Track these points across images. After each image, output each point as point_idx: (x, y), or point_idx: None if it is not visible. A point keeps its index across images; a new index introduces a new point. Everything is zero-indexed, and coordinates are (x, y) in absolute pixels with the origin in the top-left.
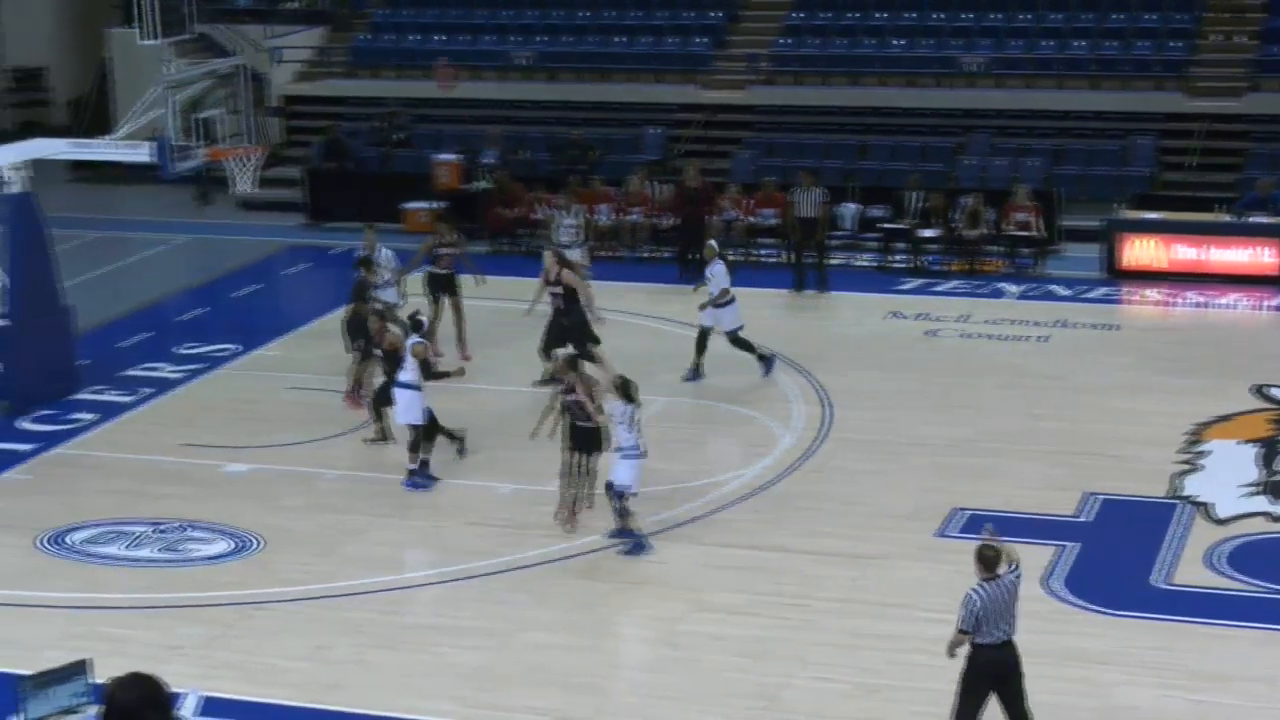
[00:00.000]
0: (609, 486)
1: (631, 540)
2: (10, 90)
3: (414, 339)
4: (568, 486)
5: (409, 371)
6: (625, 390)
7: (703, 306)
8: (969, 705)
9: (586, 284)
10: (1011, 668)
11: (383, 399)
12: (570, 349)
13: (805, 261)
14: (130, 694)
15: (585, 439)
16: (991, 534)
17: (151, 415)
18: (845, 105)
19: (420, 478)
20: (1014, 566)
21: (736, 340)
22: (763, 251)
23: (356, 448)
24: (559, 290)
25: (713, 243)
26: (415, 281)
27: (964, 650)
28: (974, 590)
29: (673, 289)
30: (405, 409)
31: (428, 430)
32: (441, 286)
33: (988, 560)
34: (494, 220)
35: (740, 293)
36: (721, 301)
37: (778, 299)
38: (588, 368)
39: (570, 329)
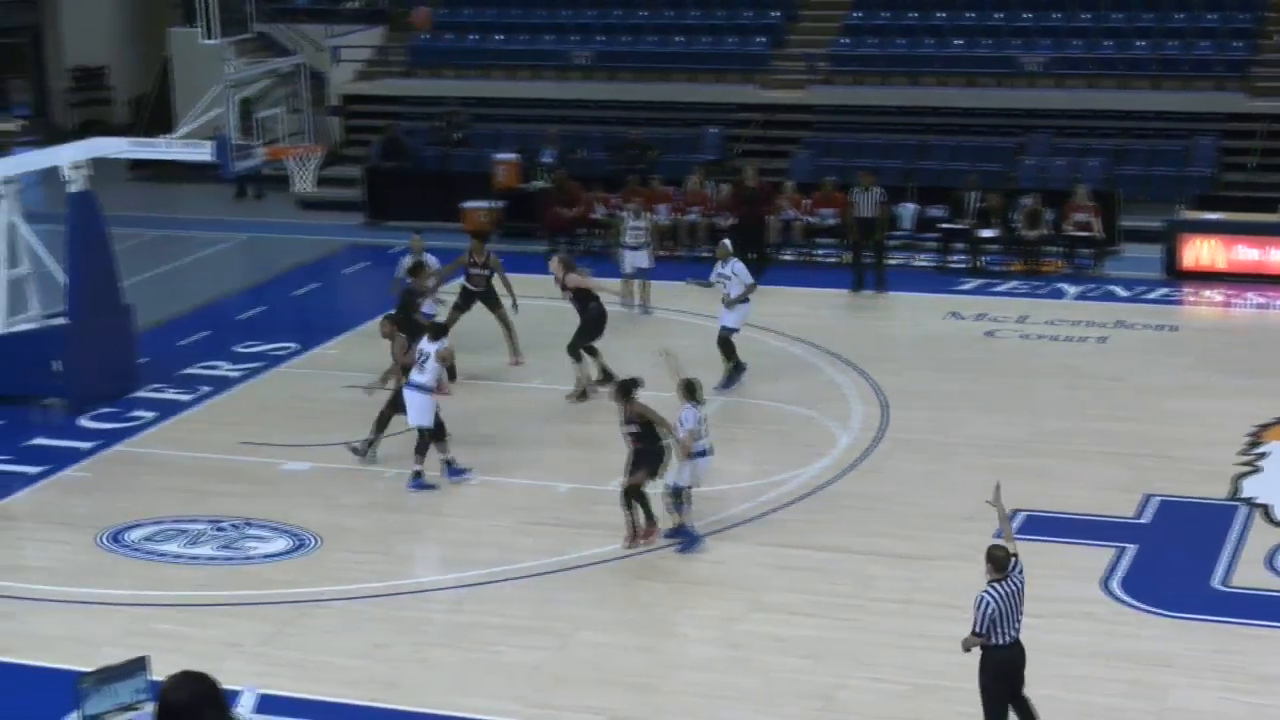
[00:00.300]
0: (668, 485)
1: (686, 537)
2: (71, 89)
3: (441, 342)
4: (635, 510)
5: (426, 374)
6: (691, 391)
7: (730, 304)
8: (997, 710)
9: (599, 281)
10: (1020, 666)
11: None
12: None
13: (863, 262)
14: (181, 693)
15: (652, 460)
16: (997, 494)
17: (210, 413)
18: (904, 105)
19: (423, 481)
20: (1015, 563)
21: (724, 342)
22: (821, 251)
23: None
24: (568, 294)
25: (726, 242)
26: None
27: (975, 654)
28: (987, 592)
29: None
30: (418, 411)
31: (436, 432)
32: (474, 298)
33: (998, 560)
34: (552, 220)
35: (799, 293)
36: (742, 299)
37: (837, 299)
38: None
39: (582, 329)
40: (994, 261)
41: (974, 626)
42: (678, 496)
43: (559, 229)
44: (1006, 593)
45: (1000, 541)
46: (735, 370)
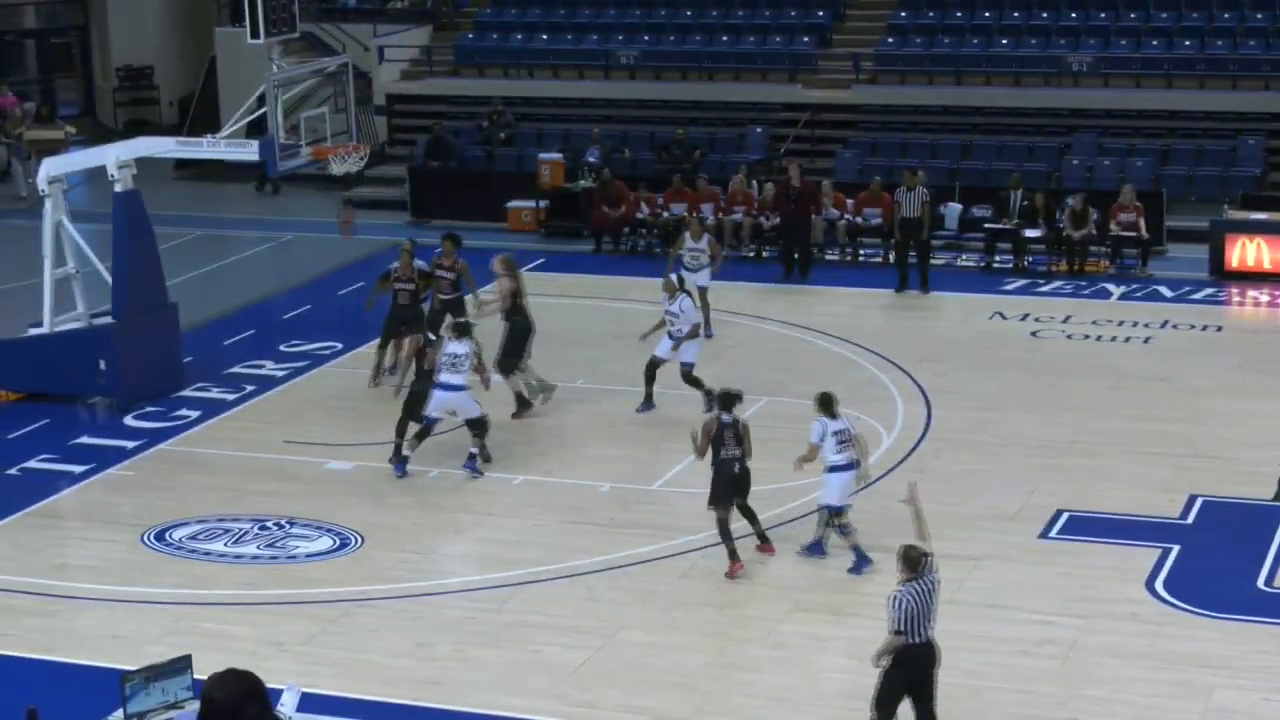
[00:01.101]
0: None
1: (855, 557)
2: (118, 89)
3: (469, 343)
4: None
5: (461, 374)
6: (826, 405)
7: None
8: (890, 699)
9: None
10: (932, 666)
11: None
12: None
13: (907, 261)
14: (224, 690)
15: (717, 484)
16: (912, 492)
17: (255, 412)
18: (949, 105)
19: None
20: (929, 562)
21: (689, 377)
22: (865, 251)
23: (458, 445)
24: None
25: (672, 277)
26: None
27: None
28: (901, 591)
29: (778, 288)
30: (466, 407)
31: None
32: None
33: (911, 560)
34: (597, 219)
35: (843, 293)
36: (693, 335)
37: (881, 299)
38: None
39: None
40: (1038, 262)
41: (892, 626)
42: (834, 517)
43: (604, 229)
44: (920, 591)
45: (915, 542)
46: (645, 399)
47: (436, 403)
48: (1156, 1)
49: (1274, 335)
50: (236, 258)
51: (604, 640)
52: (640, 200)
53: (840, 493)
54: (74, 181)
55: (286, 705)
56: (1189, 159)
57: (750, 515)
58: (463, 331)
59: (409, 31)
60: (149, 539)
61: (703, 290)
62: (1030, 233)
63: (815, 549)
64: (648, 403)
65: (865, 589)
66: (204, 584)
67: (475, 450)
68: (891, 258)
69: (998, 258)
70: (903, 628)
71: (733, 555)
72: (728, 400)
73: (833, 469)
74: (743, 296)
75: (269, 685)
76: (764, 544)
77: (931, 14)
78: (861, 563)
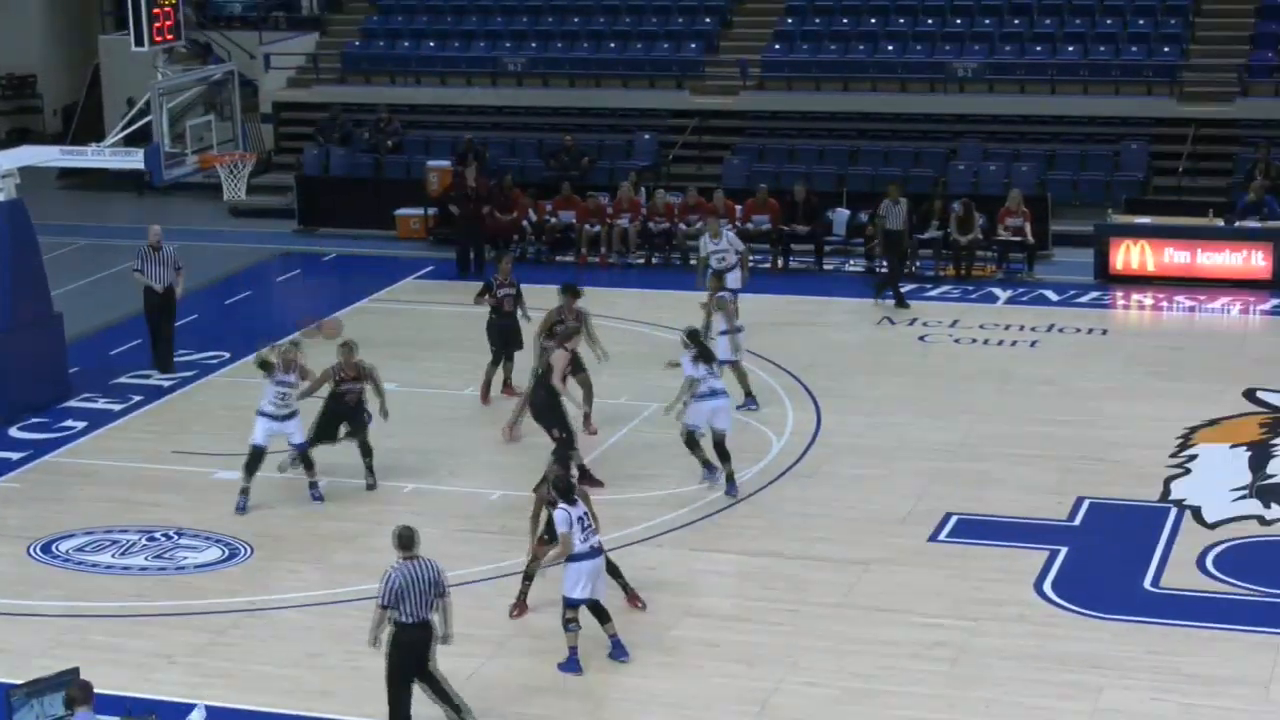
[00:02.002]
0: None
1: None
2: (0, 97)
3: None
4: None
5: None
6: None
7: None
8: (399, 691)
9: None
10: (425, 646)
11: None
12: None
13: (879, 273)
14: None
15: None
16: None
17: (142, 423)
18: (837, 111)
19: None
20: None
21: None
22: (755, 258)
23: (353, 452)
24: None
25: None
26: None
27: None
28: (392, 568)
29: (663, 293)
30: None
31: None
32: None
33: (405, 540)
34: (489, 225)
35: (743, 300)
36: None
37: (770, 305)
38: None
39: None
40: (925, 266)
41: (379, 601)
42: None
43: (495, 235)
44: (415, 574)
45: (406, 524)
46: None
47: (263, 430)
48: (1040, 7)
49: (1159, 338)
50: (122, 267)
51: (495, 649)
52: (529, 207)
53: (587, 584)
54: None
55: None
56: (1074, 164)
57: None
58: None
59: (295, 39)
60: (35, 551)
61: (735, 292)
62: (923, 235)
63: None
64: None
65: (754, 593)
66: (92, 596)
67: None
68: (780, 263)
69: (882, 263)
70: (388, 602)
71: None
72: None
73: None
74: (631, 303)
75: (159, 698)
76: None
77: (818, 20)
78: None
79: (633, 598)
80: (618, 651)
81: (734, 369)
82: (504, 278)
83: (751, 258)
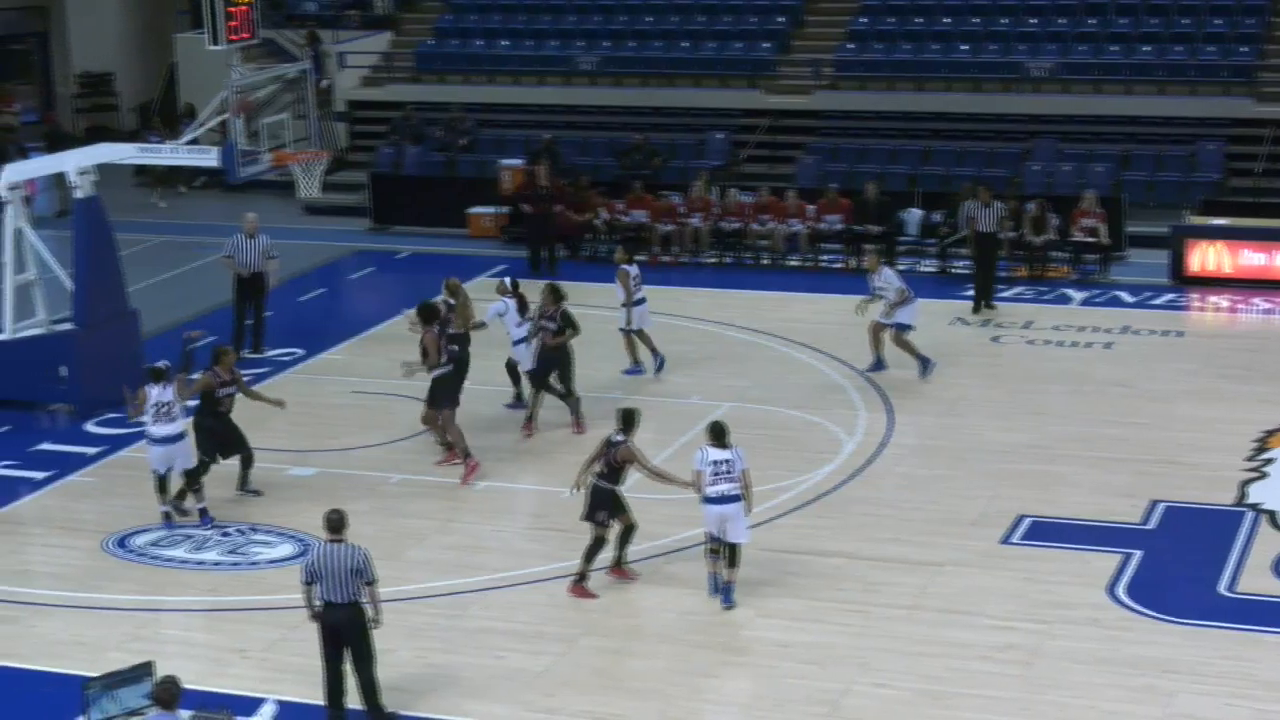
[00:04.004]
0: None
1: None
2: (78, 95)
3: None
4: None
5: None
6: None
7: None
8: (328, 664)
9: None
10: (346, 627)
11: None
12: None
13: (992, 276)
14: None
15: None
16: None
17: None
18: (909, 110)
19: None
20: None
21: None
22: (826, 258)
23: (421, 451)
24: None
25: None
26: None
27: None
28: (315, 545)
29: (736, 293)
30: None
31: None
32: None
33: (333, 523)
34: (562, 224)
35: (805, 299)
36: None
37: (844, 305)
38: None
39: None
40: (1000, 267)
41: (301, 576)
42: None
43: (568, 233)
44: (332, 554)
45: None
46: (926, 364)
47: (156, 456)
48: (1116, 7)
49: (1234, 340)
50: (198, 264)
51: (566, 646)
52: (601, 206)
53: (713, 525)
54: (40, 188)
55: (265, 717)
56: (1149, 164)
57: (625, 539)
58: (159, 376)
59: (370, 37)
60: (110, 545)
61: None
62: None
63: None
64: (878, 364)
65: (825, 594)
66: (166, 590)
67: (172, 507)
68: (854, 264)
69: (957, 263)
70: (305, 579)
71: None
72: (622, 419)
73: (705, 500)
74: (703, 302)
75: (232, 693)
76: (615, 568)
77: (892, 20)
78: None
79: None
80: (725, 598)
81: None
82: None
83: (822, 259)
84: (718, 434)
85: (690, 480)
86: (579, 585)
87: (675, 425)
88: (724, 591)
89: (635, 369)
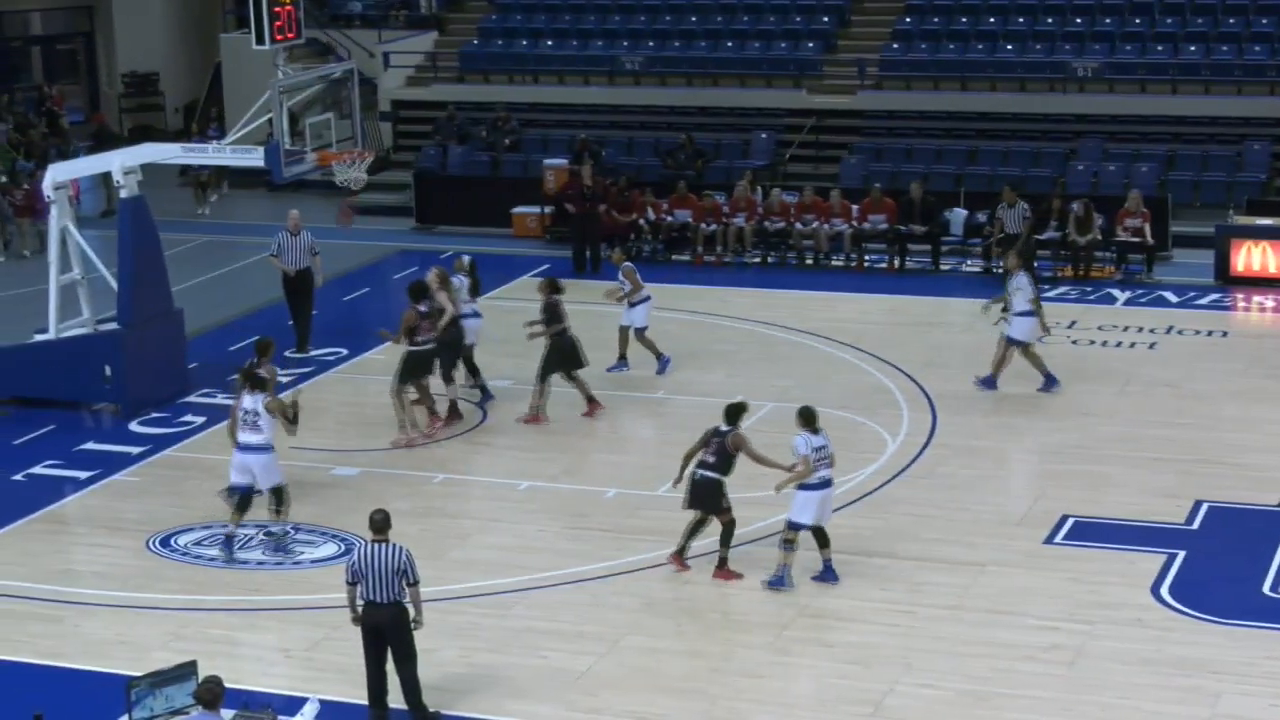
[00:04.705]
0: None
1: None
2: (123, 95)
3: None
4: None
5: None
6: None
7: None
8: (370, 664)
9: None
10: (388, 626)
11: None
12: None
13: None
14: None
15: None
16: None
17: None
18: (955, 110)
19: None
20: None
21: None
22: (870, 258)
23: (464, 451)
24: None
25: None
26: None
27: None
28: (359, 545)
29: (781, 293)
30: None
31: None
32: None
33: (376, 523)
34: (607, 224)
35: (849, 299)
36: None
37: (886, 304)
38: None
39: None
40: (1044, 267)
41: (345, 576)
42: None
43: (613, 233)
44: (375, 554)
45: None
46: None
47: (236, 465)
48: (1162, 7)
49: (1279, 340)
50: (242, 264)
51: (609, 646)
52: (646, 205)
53: (815, 511)
54: (83, 187)
55: (307, 715)
56: (1194, 164)
57: (726, 535)
58: (257, 384)
59: (414, 37)
60: (154, 544)
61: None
62: (1039, 237)
63: (779, 582)
64: (1049, 380)
65: (869, 594)
66: (209, 590)
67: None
68: (897, 264)
69: (998, 263)
70: (349, 579)
71: (679, 552)
72: (728, 412)
73: (806, 486)
74: (747, 302)
75: (275, 692)
76: (720, 569)
77: (936, 20)
78: (781, 581)
79: (676, 556)
80: (828, 574)
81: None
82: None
83: (867, 258)
84: (811, 418)
85: (796, 466)
86: (723, 569)
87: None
88: (829, 569)
89: (620, 365)
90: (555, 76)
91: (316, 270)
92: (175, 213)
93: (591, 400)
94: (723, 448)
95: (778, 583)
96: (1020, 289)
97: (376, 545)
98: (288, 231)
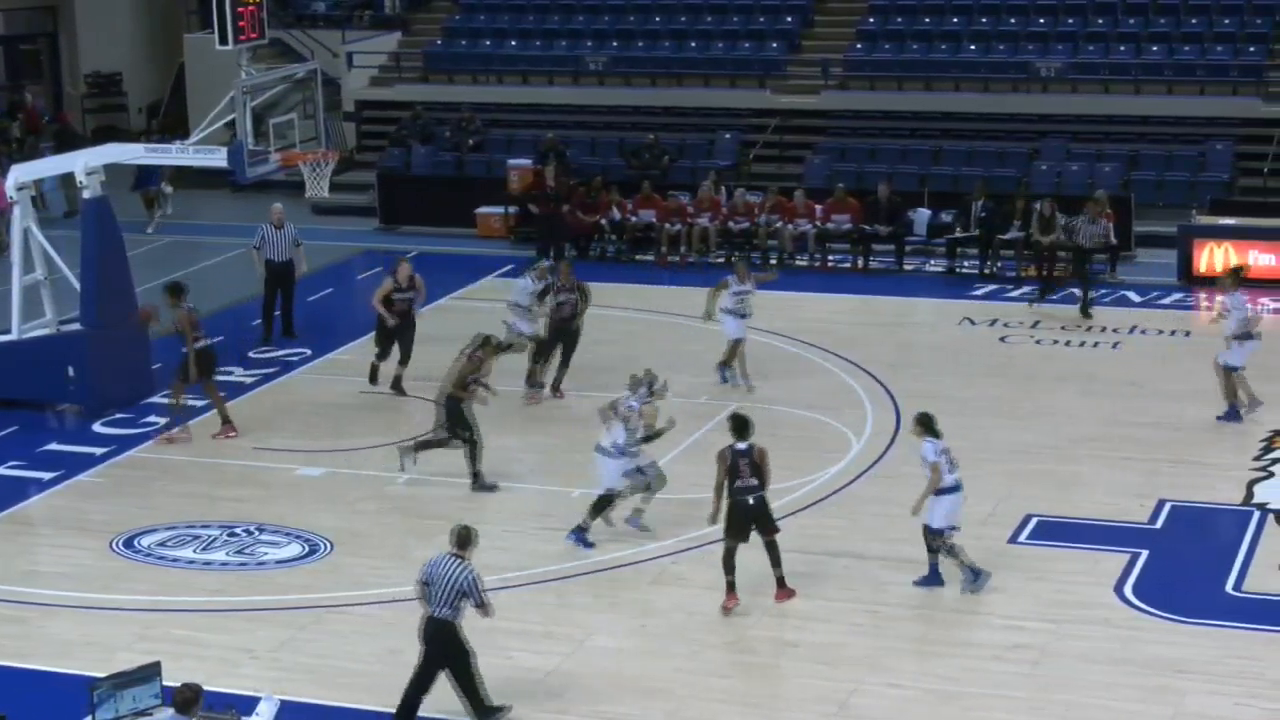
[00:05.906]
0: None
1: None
2: (87, 95)
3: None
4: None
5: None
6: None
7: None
8: (422, 668)
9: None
10: (431, 640)
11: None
12: None
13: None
14: None
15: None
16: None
17: None
18: (919, 110)
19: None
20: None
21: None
22: (834, 257)
23: (429, 452)
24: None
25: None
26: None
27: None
28: (439, 554)
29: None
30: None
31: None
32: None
33: (459, 538)
34: (573, 224)
35: (814, 298)
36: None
37: (851, 305)
38: None
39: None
40: (1007, 267)
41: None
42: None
43: (578, 233)
44: (442, 564)
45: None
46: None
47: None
48: (1125, 7)
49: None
50: (205, 264)
51: (575, 646)
52: (611, 205)
53: (946, 515)
54: (46, 188)
55: (263, 715)
56: (1158, 164)
57: (775, 554)
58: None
59: (378, 38)
60: (118, 546)
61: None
62: (1002, 236)
63: (933, 578)
64: (1232, 412)
65: (834, 594)
66: (174, 590)
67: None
68: (861, 264)
69: (965, 263)
70: (417, 593)
71: (730, 588)
72: (740, 426)
73: (941, 491)
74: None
75: (240, 693)
76: (781, 589)
77: (900, 20)
78: (978, 576)
79: (783, 590)
80: (934, 578)
81: None
82: (564, 281)
83: (831, 258)
84: (929, 423)
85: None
86: (783, 590)
87: (683, 425)
88: (975, 572)
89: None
90: (519, 76)
91: (300, 260)
92: (137, 213)
93: (555, 389)
94: (754, 464)
95: (930, 580)
96: (1236, 310)
97: (450, 557)
98: (271, 225)
